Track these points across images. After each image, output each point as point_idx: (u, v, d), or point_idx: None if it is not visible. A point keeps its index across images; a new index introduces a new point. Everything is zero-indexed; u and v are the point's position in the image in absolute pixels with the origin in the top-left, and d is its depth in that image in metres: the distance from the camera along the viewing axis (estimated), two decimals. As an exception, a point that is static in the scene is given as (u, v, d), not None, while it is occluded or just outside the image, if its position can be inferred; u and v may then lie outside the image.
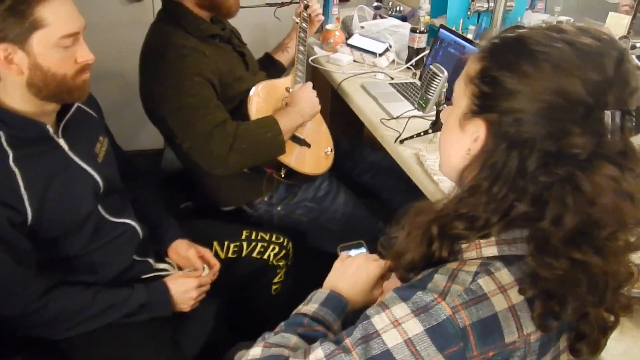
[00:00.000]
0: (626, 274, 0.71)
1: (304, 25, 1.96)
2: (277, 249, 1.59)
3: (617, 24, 1.56)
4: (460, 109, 0.74)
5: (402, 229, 0.80)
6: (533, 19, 2.17)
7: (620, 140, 0.65)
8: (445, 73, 1.50)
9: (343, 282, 0.93)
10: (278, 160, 1.63)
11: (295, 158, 1.68)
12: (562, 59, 0.65)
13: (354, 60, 2.21)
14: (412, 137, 1.59)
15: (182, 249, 1.42)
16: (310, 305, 0.88)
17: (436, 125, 1.56)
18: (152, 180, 2.07)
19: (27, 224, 1.09)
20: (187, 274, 1.34)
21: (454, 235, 0.72)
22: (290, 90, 1.75)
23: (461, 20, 2.12)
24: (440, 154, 0.84)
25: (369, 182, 2.03)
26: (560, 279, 0.66)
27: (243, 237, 1.57)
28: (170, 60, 1.52)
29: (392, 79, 2.05)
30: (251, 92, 1.67)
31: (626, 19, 1.53)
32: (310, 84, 1.73)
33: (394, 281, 1.04)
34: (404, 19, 2.50)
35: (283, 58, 2.03)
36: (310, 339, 0.81)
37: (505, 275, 0.69)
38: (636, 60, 1.17)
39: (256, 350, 0.80)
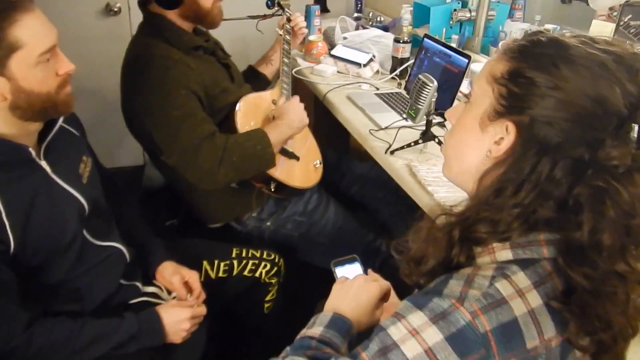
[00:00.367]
0: None
1: (288, 37, 1.93)
2: (268, 266, 1.55)
3: (601, 32, 1.57)
4: (482, 109, 0.72)
5: (418, 233, 0.77)
6: (514, 27, 2.18)
7: None
8: (435, 83, 1.49)
9: (345, 305, 0.90)
10: (267, 174, 1.59)
11: (284, 171, 1.65)
12: (603, 67, 0.64)
13: (338, 71, 2.19)
14: (402, 147, 1.57)
15: (168, 273, 1.36)
16: (316, 328, 0.84)
17: (426, 135, 1.55)
18: (135, 199, 2.01)
19: (10, 252, 1.03)
20: (180, 303, 1.28)
21: (474, 239, 0.71)
22: (277, 102, 1.72)
23: (444, 30, 2.13)
24: (447, 155, 0.81)
25: (357, 194, 2.01)
26: (597, 291, 0.64)
27: (233, 255, 1.52)
28: (154, 73, 1.48)
29: (378, 89, 2.03)
30: (238, 105, 1.63)
31: (610, 27, 1.55)
32: (297, 98, 1.70)
33: (393, 302, 1.02)
34: (385, 29, 2.50)
35: (267, 71, 2.00)
36: None
37: (522, 278, 0.67)
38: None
39: None
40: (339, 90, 2.03)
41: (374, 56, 2.18)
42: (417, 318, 0.66)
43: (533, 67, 0.67)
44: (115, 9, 2.58)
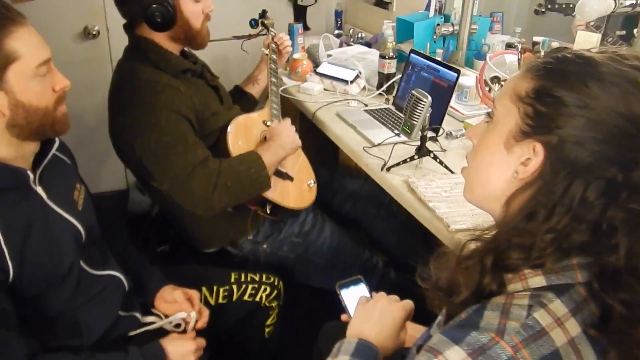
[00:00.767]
0: None
1: (274, 56, 1.92)
2: (268, 289, 1.51)
3: (586, 42, 1.60)
4: (506, 129, 0.70)
5: (445, 262, 0.75)
6: (495, 40, 2.21)
7: None
8: (429, 98, 1.49)
9: (369, 329, 0.88)
10: (262, 196, 1.57)
11: (279, 193, 1.62)
12: (634, 84, 0.63)
13: (325, 89, 2.18)
14: (398, 164, 1.56)
15: (168, 294, 1.32)
16: (341, 358, 0.81)
17: (422, 150, 1.54)
18: (123, 225, 1.96)
19: (9, 281, 0.99)
20: (184, 336, 1.23)
21: (506, 267, 0.68)
22: (268, 123, 1.70)
23: (428, 44, 2.14)
24: (470, 177, 0.79)
25: (350, 212, 1.99)
26: (636, 318, 0.63)
27: (232, 280, 1.48)
28: (143, 98, 1.45)
29: (367, 105, 2.03)
30: (229, 128, 1.61)
31: (595, 37, 1.57)
32: (288, 120, 1.69)
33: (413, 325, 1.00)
34: (367, 45, 2.51)
35: (254, 90, 1.98)
36: None
37: (559, 306, 0.65)
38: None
39: None
40: (327, 108, 2.02)
41: (360, 72, 2.19)
42: (456, 354, 0.63)
43: (561, 86, 0.65)
44: (94, 32, 2.53)
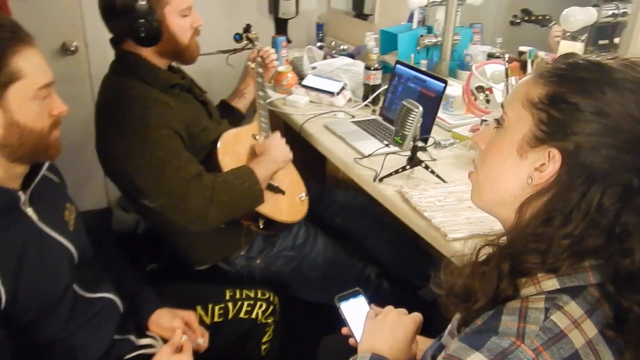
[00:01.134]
0: None
1: (260, 70, 1.91)
2: (264, 305, 1.49)
3: (570, 51, 1.63)
4: (519, 135, 0.70)
5: (458, 269, 0.75)
6: (476, 50, 2.25)
7: None
8: (420, 108, 1.50)
9: (381, 343, 0.87)
10: (255, 210, 1.55)
11: (271, 207, 1.61)
12: None
13: (311, 101, 2.18)
14: (390, 174, 1.56)
15: (164, 320, 1.29)
16: None
17: (413, 161, 1.55)
18: (110, 244, 1.91)
19: (1, 308, 0.95)
20: (180, 356, 1.20)
21: (521, 271, 0.68)
22: (257, 137, 1.68)
23: (412, 55, 2.16)
24: (479, 182, 0.78)
25: (342, 224, 1.98)
26: None
27: (227, 297, 1.46)
28: (133, 114, 1.42)
29: (354, 117, 2.03)
30: (219, 143, 1.59)
31: (579, 46, 1.61)
32: (278, 133, 1.68)
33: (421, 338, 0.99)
34: (351, 57, 2.52)
35: (241, 104, 1.97)
36: None
37: (574, 308, 0.66)
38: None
39: None
40: (314, 120, 2.02)
41: (345, 84, 2.19)
42: None
43: (575, 92, 0.65)
44: (72, 48, 2.48)
